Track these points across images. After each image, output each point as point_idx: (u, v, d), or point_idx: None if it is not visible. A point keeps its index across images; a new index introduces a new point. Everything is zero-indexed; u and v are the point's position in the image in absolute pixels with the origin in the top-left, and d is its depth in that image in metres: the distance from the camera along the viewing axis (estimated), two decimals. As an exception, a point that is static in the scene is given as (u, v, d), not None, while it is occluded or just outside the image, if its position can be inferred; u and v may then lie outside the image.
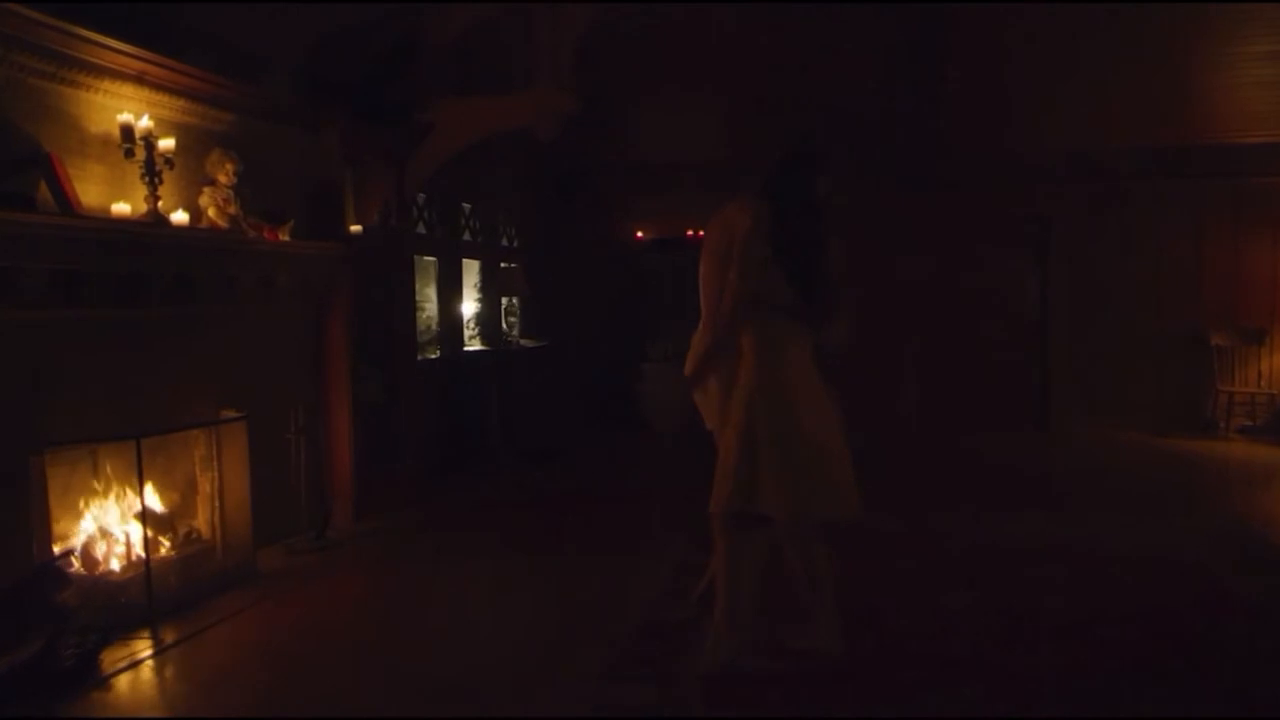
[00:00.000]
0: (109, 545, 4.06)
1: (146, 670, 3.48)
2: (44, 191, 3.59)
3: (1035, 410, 8.64)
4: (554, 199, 9.05)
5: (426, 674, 3.40)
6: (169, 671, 3.52)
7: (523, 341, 8.63)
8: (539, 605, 4.15)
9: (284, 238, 4.69)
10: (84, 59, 3.78)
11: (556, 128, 5.72)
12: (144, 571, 3.87)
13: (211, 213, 4.38)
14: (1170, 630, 3.61)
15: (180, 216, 4.18)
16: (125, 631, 3.70)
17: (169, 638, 3.72)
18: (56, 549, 3.89)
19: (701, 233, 10.09)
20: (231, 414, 4.52)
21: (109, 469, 4.12)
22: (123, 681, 3.38)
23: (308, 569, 4.68)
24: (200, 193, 4.44)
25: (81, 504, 4.06)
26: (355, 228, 5.81)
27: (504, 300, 8.51)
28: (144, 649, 3.60)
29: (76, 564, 3.92)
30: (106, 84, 3.92)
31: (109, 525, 4.08)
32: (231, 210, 4.47)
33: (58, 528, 3.99)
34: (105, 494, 4.11)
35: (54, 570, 3.40)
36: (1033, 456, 7.57)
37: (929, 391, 8.58)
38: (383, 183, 5.99)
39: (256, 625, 3.97)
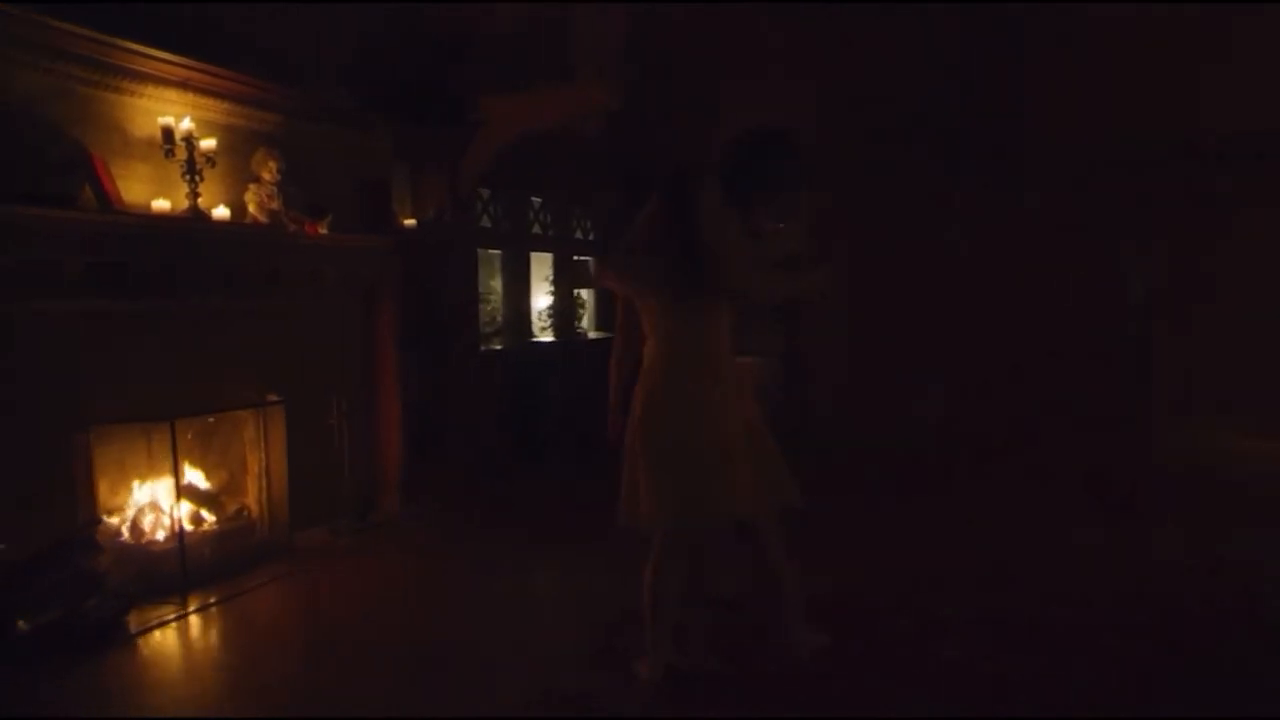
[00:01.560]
0: (156, 518, 4.39)
1: (169, 632, 3.76)
2: (90, 191, 3.92)
3: (1132, 410, 8.11)
4: (629, 191, 9.10)
5: (406, 650, 3.54)
6: (188, 633, 3.79)
7: (592, 334, 8.74)
8: (545, 594, 4.24)
9: (323, 231, 4.94)
10: (128, 67, 4.10)
11: (601, 121, 5.78)
12: (178, 543, 4.16)
13: (252, 208, 4.66)
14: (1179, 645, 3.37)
15: (222, 212, 4.47)
16: (159, 597, 4.00)
17: (196, 604, 4.00)
18: (113, 519, 4.27)
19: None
20: (273, 399, 4.81)
21: (158, 448, 4.44)
22: (145, 641, 3.67)
23: (342, 549, 4.92)
24: (246, 189, 4.73)
25: (133, 479, 4.41)
26: (409, 222, 6.05)
27: (576, 292, 8.64)
28: (169, 613, 3.88)
29: (125, 534, 4.27)
30: (150, 89, 4.23)
31: (157, 499, 4.41)
32: (274, 206, 4.74)
33: (115, 499, 4.36)
34: (154, 470, 4.44)
35: (84, 538, 3.70)
36: (1118, 459, 7.11)
37: (1015, 390, 8.19)
38: (437, 179, 6.20)
39: (277, 596, 4.23)
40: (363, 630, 3.79)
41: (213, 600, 4.06)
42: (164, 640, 3.70)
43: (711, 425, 2.87)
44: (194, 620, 3.89)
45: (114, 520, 4.28)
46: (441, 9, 5.77)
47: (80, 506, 3.93)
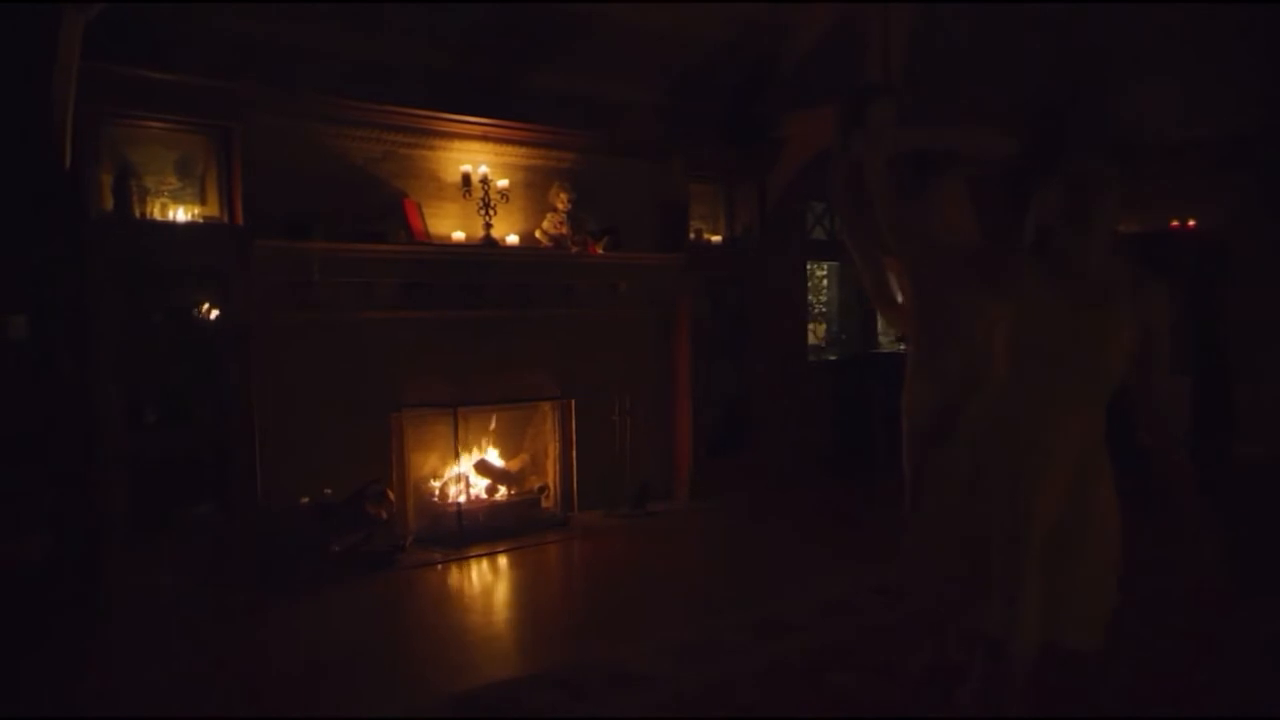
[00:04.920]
0: (462, 485, 5.47)
1: (431, 569, 4.78)
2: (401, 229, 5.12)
3: None
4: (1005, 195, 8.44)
5: (628, 607, 4.24)
6: (448, 572, 4.76)
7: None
8: (774, 589, 4.42)
9: (599, 250, 5.66)
10: (438, 130, 5.25)
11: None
12: (458, 506, 5.21)
13: (537, 234, 5.55)
14: None
15: (512, 239, 5.43)
16: (439, 546, 5.05)
17: (465, 554, 4.98)
18: (433, 483, 5.44)
19: (1191, 223, 8.52)
20: (558, 394, 5.67)
21: (475, 429, 5.54)
22: (411, 573, 4.72)
23: (609, 529, 5.58)
24: (544, 218, 5.65)
25: (451, 454, 5.55)
26: (715, 238, 6.53)
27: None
28: (437, 557, 4.91)
29: (436, 495, 5.41)
30: (456, 144, 5.34)
31: (461, 471, 5.49)
32: (562, 231, 5.58)
33: (444, 467, 5.51)
34: (465, 447, 5.52)
35: (376, 491, 4.86)
36: None
37: None
38: (744, 197, 6.59)
39: (529, 555, 5.06)
40: (596, 585, 4.66)
41: (477, 553, 5.01)
42: (424, 574, 4.72)
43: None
44: (456, 565, 4.86)
45: (434, 483, 5.45)
46: (747, 32, 6.13)
47: (392, 469, 5.13)
